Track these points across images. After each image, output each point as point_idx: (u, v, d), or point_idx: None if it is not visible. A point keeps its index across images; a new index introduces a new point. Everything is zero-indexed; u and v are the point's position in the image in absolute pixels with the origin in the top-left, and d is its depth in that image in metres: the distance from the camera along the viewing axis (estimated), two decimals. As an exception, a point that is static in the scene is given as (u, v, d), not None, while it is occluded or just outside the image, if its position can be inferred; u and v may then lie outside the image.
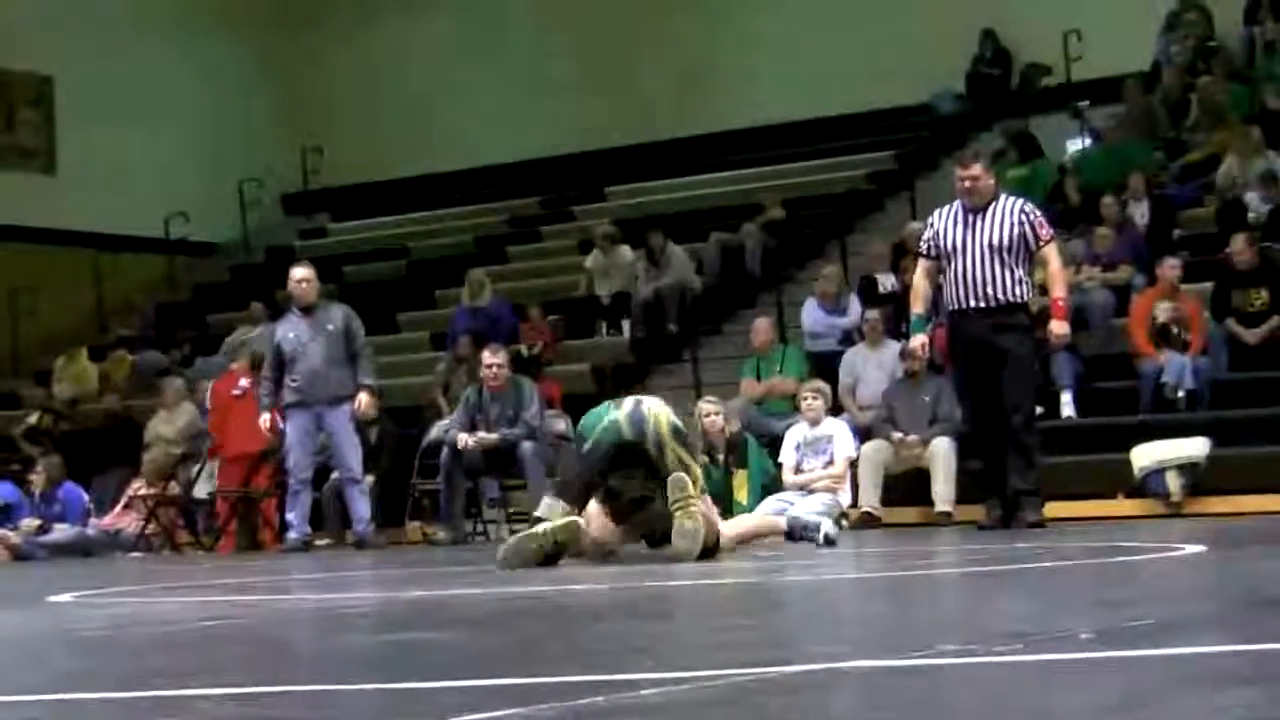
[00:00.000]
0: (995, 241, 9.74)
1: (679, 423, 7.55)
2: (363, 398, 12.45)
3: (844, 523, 12.22)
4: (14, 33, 21.17)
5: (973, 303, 9.78)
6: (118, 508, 15.09)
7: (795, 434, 12.39)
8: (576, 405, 12.64)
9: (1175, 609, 4.32)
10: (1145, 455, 12.10)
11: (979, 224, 9.81)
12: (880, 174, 19.24)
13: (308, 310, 12.61)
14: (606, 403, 7.90)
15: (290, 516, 12.64)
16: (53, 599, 6.83)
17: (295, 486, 12.65)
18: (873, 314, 13.93)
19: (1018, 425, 9.78)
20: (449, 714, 2.61)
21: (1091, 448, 12.59)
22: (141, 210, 21.84)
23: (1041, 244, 9.85)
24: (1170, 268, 13.27)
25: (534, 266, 19.81)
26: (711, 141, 21.12)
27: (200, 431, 15.41)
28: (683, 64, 21.66)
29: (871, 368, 13.58)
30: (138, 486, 15.04)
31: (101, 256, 21.89)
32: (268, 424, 12.64)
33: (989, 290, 9.74)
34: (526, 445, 12.79)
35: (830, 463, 12.23)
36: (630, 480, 7.57)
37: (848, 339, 14.59)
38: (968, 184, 9.89)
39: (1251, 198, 14.95)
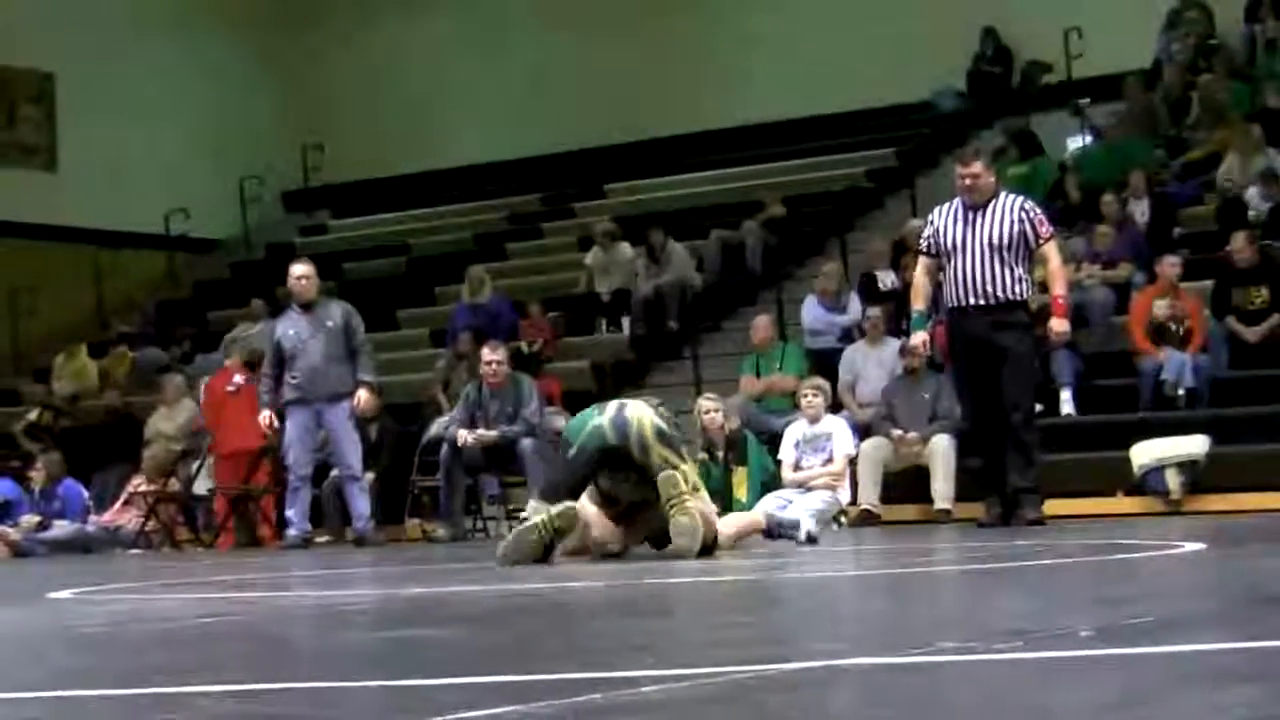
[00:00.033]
0: (995, 239, 9.74)
1: (663, 424, 7.55)
2: (362, 395, 12.45)
3: (843, 520, 12.23)
4: (15, 30, 21.17)
5: (972, 300, 9.77)
6: (117, 504, 15.10)
7: (794, 431, 12.38)
8: (576, 402, 12.65)
9: (1175, 607, 4.32)
10: (1145, 453, 12.10)
11: (979, 222, 9.81)
12: (880, 171, 19.24)
13: (307, 307, 12.61)
14: (592, 407, 7.92)
15: (290, 513, 12.64)
16: (52, 596, 6.83)
17: (295, 483, 12.65)
18: (874, 311, 13.93)
19: (1017, 423, 9.78)
20: (448, 711, 2.61)
21: (1091, 445, 12.59)
22: (142, 207, 21.84)
23: (1041, 242, 9.85)
24: (1170, 265, 13.27)
25: (534, 263, 19.80)
26: (712, 139, 21.12)
27: (200, 428, 15.42)
28: (683, 62, 21.65)
29: (871, 365, 13.58)
30: (138, 483, 15.04)
31: (102, 253, 21.89)
32: (266, 422, 12.64)
33: (989, 288, 9.74)
34: (526, 442, 12.78)
35: (829, 460, 12.22)
36: (623, 484, 7.60)
37: (847, 336, 14.59)
38: (968, 182, 9.89)
39: (1252, 195, 14.95)
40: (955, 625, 4.07)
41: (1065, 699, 2.59)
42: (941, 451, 12.36)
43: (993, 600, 4.89)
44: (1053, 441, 11.55)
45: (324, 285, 13.48)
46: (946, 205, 10.07)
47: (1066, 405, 13.01)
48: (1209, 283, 13.60)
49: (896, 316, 13.81)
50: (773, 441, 12.63)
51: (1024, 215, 9.83)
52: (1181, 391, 12.73)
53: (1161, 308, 13.01)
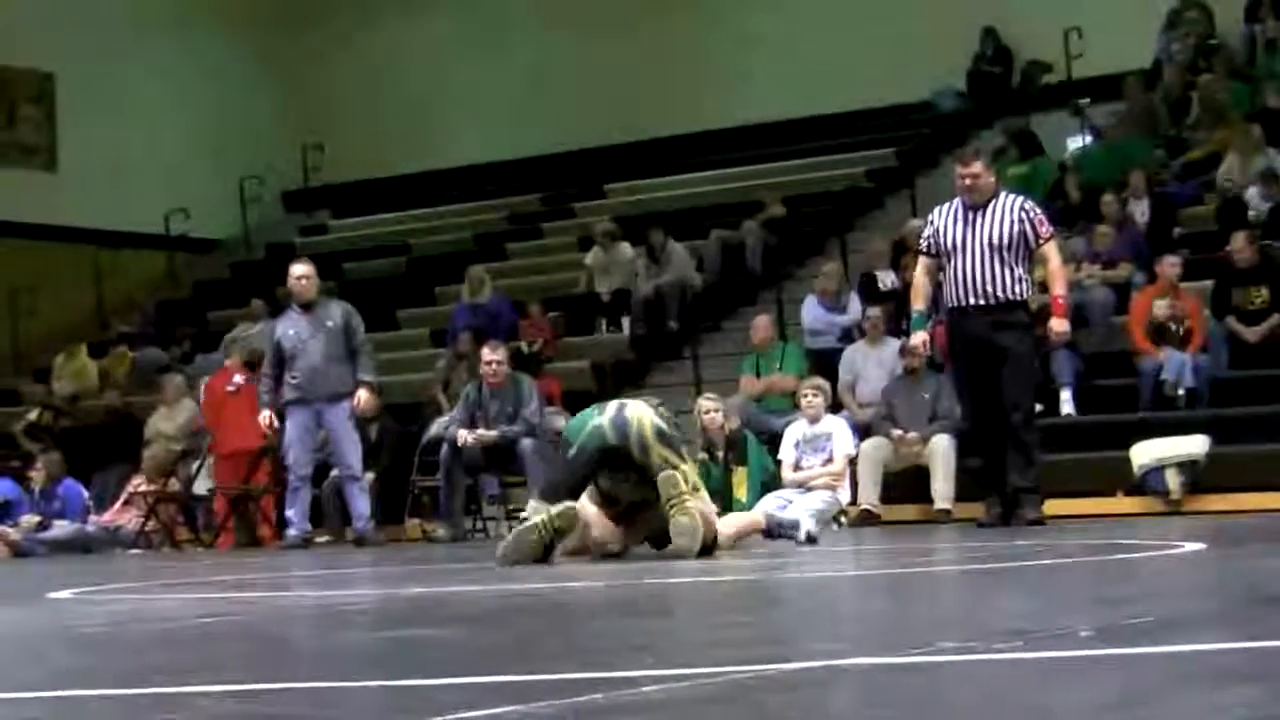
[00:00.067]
0: (995, 239, 9.74)
1: (662, 425, 7.55)
2: (362, 394, 12.45)
3: (843, 520, 12.23)
4: (15, 29, 21.17)
5: (972, 300, 9.77)
6: (117, 504, 15.09)
7: (794, 431, 12.38)
8: (576, 402, 12.64)
9: (1175, 606, 4.32)
10: (1145, 453, 12.10)
11: (979, 222, 9.81)
12: (881, 171, 19.24)
13: (307, 307, 12.61)
14: (592, 407, 7.92)
15: (290, 513, 12.64)
16: (52, 596, 6.83)
17: (295, 483, 12.65)
18: (874, 311, 13.92)
19: (1017, 423, 9.78)
20: (448, 711, 2.61)
21: (1091, 445, 12.59)
22: (142, 207, 21.84)
23: (1041, 242, 9.85)
24: (1170, 265, 13.27)
25: (534, 263, 19.80)
26: (712, 139, 21.12)
27: (201, 428, 15.42)
28: (683, 62, 21.65)
29: (871, 365, 13.57)
30: (138, 483, 15.04)
31: (102, 253, 21.89)
32: (266, 422, 12.65)
33: (989, 288, 9.74)
34: (526, 442, 12.78)
35: (829, 460, 12.22)
36: (623, 484, 7.60)
37: (847, 336, 14.59)
38: (968, 182, 9.89)
39: (1252, 195, 14.95)
40: (955, 625, 4.07)
41: (1065, 699, 2.59)
42: (941, 451, 12.36)
43: (993, 600, 4.89)
44: (1053, 441, 11.55)
45: (324, 285, 13.48)
46: (946, 205, 10.07)
47: (1066, 405, 13.01)
48: (1209, 283, 13.60)
49: (896, 317, 13.81)
50: (773, 441, 12.63)
51: (1024, 215, 9.83)
52: (1181, 391, 12.73)
53: (1161, 308, 13.01)
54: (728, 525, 8.46)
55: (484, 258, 19.32)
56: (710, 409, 11.90)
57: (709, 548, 7.60)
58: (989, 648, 3.19)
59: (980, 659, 3.08)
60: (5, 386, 20.23)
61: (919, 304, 10.18)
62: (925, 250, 10.14)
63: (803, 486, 12.14)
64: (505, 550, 7.46)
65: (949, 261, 9.87)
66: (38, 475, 15.02)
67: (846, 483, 12.28)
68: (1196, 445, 12.02)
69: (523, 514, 9.26)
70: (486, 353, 13.21)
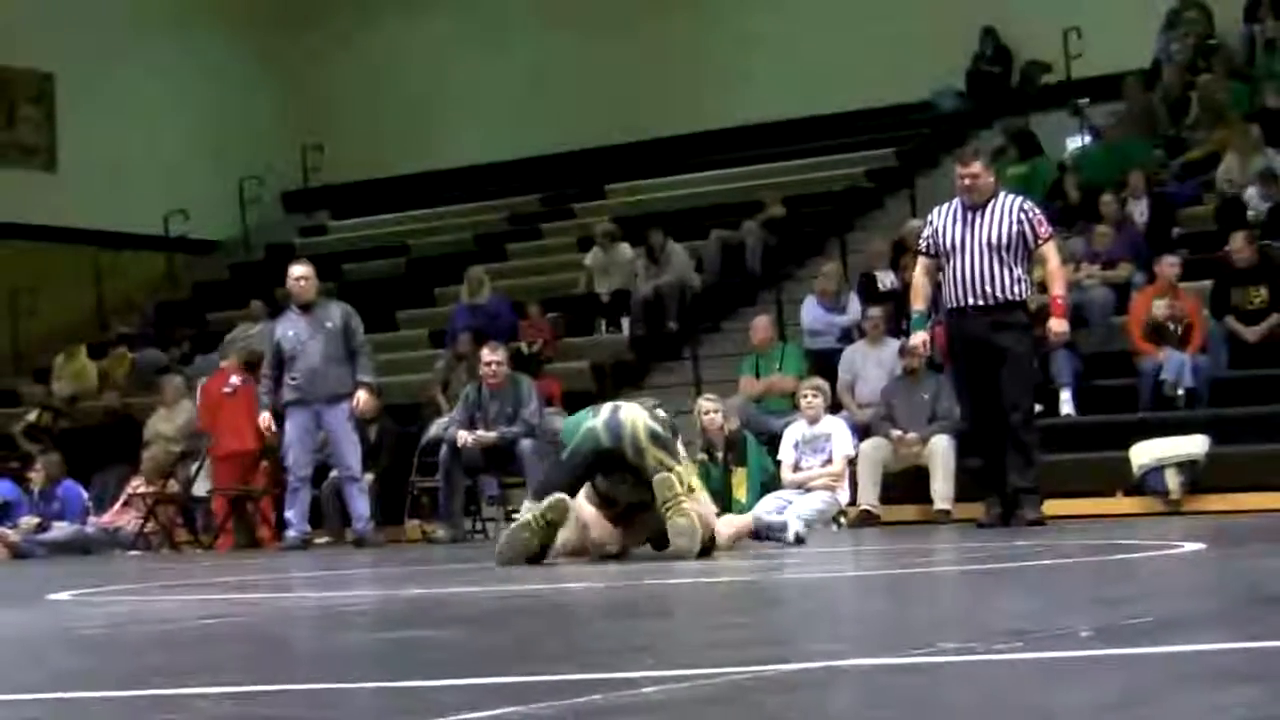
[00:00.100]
0: (994, 239, 9.74)
1: (656, 427, 7.55)
2: (361, 395, 12.45)
3: (843, 520, 12.24)
4: (15, 30, 21.17)
5: (971, 301, 9.77)
6: (117, 505, 15.09)
7: (794, 432, 12.39)
8: (576, 403, 12.64)
9: (1175, 607, 4.32)
10: (1144, 453, 12.10)
11: (978, 222, 9.80)
12: (880, 171, 19.24)
13: (307, 308, 12.61)
14: (586, 409, 7.92)
15: (289, 514, 12.64)
16: (51, 597, 6.83)
17: (294, 484, 12.65)
18: (874, 311, 13.91)
19: (1017, 423, 9.78)
20: (448, 712, 2.61)
21: (1091, 445, 12.59)
22: (142, 208, 21.84)
23: (1040, 242, 9.85)
24: (1169, 265, 13.27)
25: (534, 264, 19.81)
26: (711, 139, 21.12)
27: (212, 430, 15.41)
28: (682, 63, 21.65)
29: (871, 365, 13.57)
30: (137, 484, 15.04)
31: (101, 254, 21.89)
32: (266, 423, 12.66)
33: (988, 288, 9.74)
34: (525, 443, 12.78)
35: (829, 461, 12.23)
36: (620, 485, 7.61)
37: (847, 337, 14.58)
38: (967, 182, 9.88)
39: (1251, 195, 14.95)
40: (955, 626, 4.07)
41: (1065, 699, 2.59)
42: (941, 452, 12.35)
43: (992, 601, 4.89)
44: (1052, 442, 11.55)
45: (323, 286, 13.49)
46: (946, 205, 10.07)
47: (1066, 405, 13.00)
48: (1208, 283, 13.60)
49: (896, 317, 13.81)
50: (772, 442, 12.63)
51: (1023, 215, 9.83)
52: (1181, 391, 12.73)
53: (1160, 307, 13.01)
54: (724, 527, 8.46)
55: (484, 258, 19.31)
56: (710, 410, 11.90)
57: (707, 548, 7.60)
58: (989, 648, 3.19)
59: (980, 659, 3.08)
60: (4, 387, 20.23)
61: (919, 304, 10.18)
62: (924, 250, 10.14)
63: (802, 487, 12.15)
64: (501, 549, 7.48)
65: (948, 262, 9.86)
66: (37, 476, 15.02)
67: (846, 483, 12.29)
68: (1196, 445, 12.01)
69: (518, 516, 9.25)
70: (486, 353, 13.21)
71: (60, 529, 14.55)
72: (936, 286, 10.21)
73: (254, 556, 12.41)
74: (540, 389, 13.63)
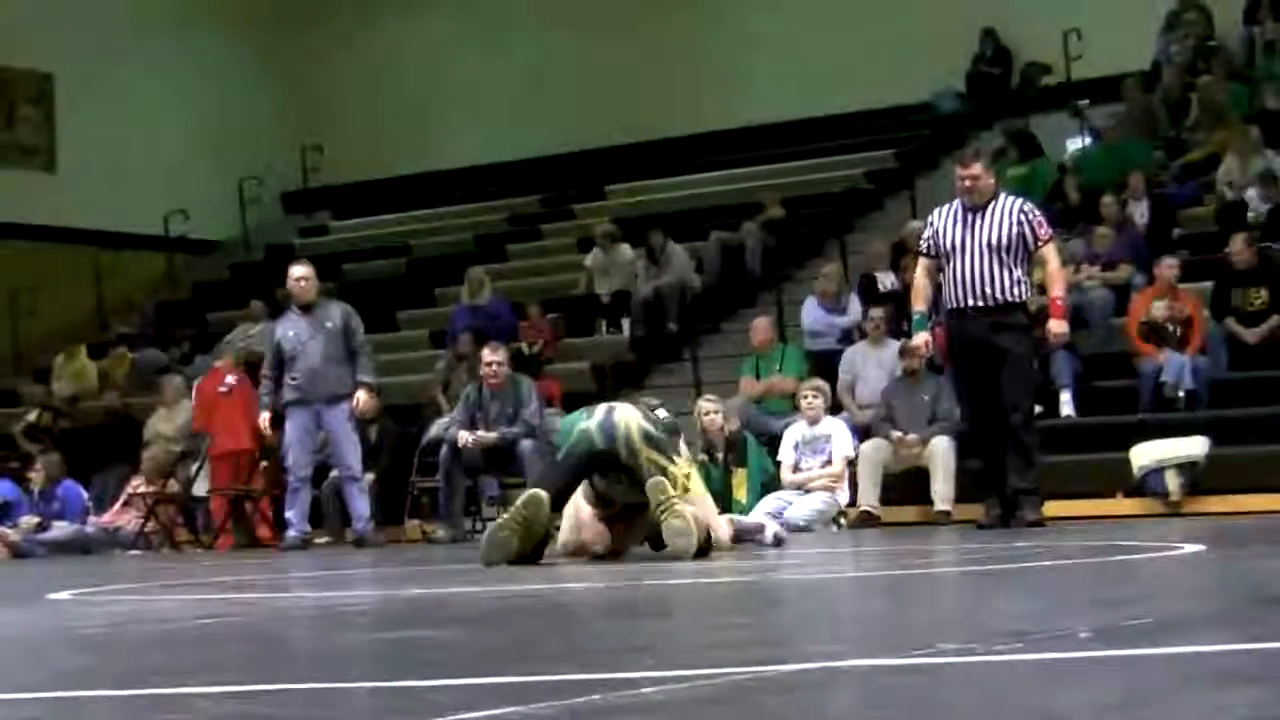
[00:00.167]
0: (994, 241, 9.74)
1: (650, 428, 7.55)
2: (361, 396, 12.45)
3: (842, 521, 12.24)
4: (14, 30, 21.17)
5: (971, 302, 9.77)
6: (117, 505, 15.09)
7: (794, 433, 12.40)
8: (576, 404, 12.61)
9: (1175, 608, 4.32)
10: (1144, 454, 12.10)
11: (978, 223, 9.80)
12: (880, 173, 19.24)
13: (307, 308, 12.61)
14: (581, 410, 7.93)
15: (290, 515, 12.64)
16: (52, 597, 6.83)
17: (295, 484, 12.65)
18: (876, 312, 13.90)
19: (1016, 424, 9.77)
20: (447, 712, 2.61)
21: (1091, 447, 12.58)
22: (141, 208, 21.84)
23: (1040, 243, 9.85)
24: (1168, 267, 13.27)
25: (534, 265, 19.81)
26: (711, 140, 21.12)
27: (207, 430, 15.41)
28: (682, 63, 21.66)
29: (871, 366, 13.56)
30: (137, 484, 15.03)
31: (101, 254, 21.89)
32: (265, 423, 12.67)
33: (987, 289, 9.74)
34: (526, 443, 12.78)
35: (828, 462, 12.24)
36: (616, 485, 7.62)
37: (847, 338, 14.58)
38: (968, 183, 9.88)
39: (1251, 197, 14.95)
40: (955, 627, 4.07)
41: (1065, 700, 2.59)
42: (941, 453, 12.35)
43: (992, 602, 4.89)
44: (1052, 443, 11.55)
45: (324, 286, 13.49)
46: (946, 206, 10.07)
47: (1066, 407, 13.00)
48: (1208, 284, 13.60)
49: (896, 318, 13.81)
50: (772, 443, 12.65)
51: (1023, 217, 9.83)
52: (1181, 393, 12.73)
53: (1160, 309, 13.01)
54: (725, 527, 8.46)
55: (484, 259, 19.32)
56: (710, 410, 11.92)
57: (705, 549, 7.61)
58: (989, 649, 3.19)
59: (980, 661, 3.08)
60: (5, 387, 20.23)
61: (919, 305, 10.18)
62: (925, 251, 10.14)
63: (801, 488, 12.16)
64: (483, 550, 7.52)
65: (948, 263, 9.86)
66: (37, 476, 15.01)
67: (845, 484, 12.30)
68: (1196, 447, 12.01)
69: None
70: (486, 354, 13.21)
71: (60, 529, 14.55)
72: (937, 287, 10.21)
73: (254, 556, 12.41)
74: (540, 390, 13.63)
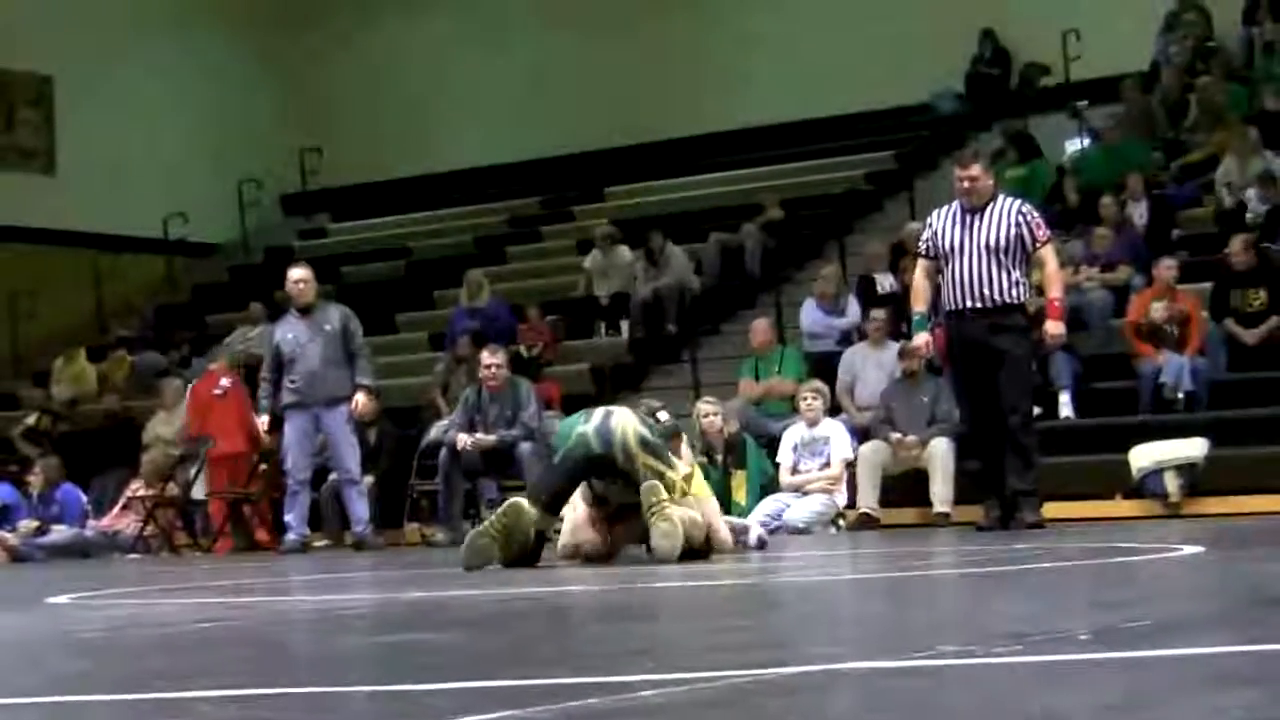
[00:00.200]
0: (992, 242, 9.74)
1: (646, 433, 7.59)
2: (360, 398, 12.45)
3: (841, 523, 12.24)
4: (14, 32, 21.16)
5: (969, 303, 9.77)
6: (116, 509, 15.08)
7: (793, 435, 12.40)
8: (576, 406, 12.60)
9: (1174, 609, 4.32)
10: (1144, 456, 12.09)
11: (976, 224, 9.80)
12: (879, 174, 19.24)
13: (305, 311, 12.61)
14: (579, 413, 7.94)
15: (288, 518, 12.64)
16: (50, 601, 6.83)
17: (294, 487, 12.65)
18: (877, 314, 13.90)
19: (1015, 426, 9.77)
20: (445, 715, 2.61)
21: (1090, 448, 12.58)
22: (141, 211, 21.83)
23: (1038, 245, 9.85)
24: (1166, 268, 13.27)
25: (533, 267, 19.80)
26: (710, 142, 21.11)
27: (198, 433, 15.41)
28: (682, 64, 21.65)
29: (871, 367, 13.56)
30: (136, 487, 15.03)
31: (101, 257, 21.88)
32: (265, 426, 12.67)
33: (986, 291, 9.74)
34: (525, 446, 12.77)
35: (827, 464, 12.24)
36: (611, 486, 7.66)
37: (846, 339, 14.57)
38: (966, 184, 9.88)
39: (1250, 198, 14.94)
40: (954, 629, 4.07)
41: (1065, 702, 2.59)
42: (940, 454, 12.35)
43: (992, 604, 4.89)
44: (1051, 444, 11.55)
45: (322, 289, 13.48)
46: (945, 208, 10.07)
47: (1065, 408, 13.00)
48: (1208, 285, 13.60)
49: (895, 320, 13.81)
50: (771, 445, 12.64)
51: (1021, 218, 9.83)
52: (1180, 394, 12.72)
53: (1158, 309, 13.01)
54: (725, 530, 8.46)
55: (483, 261, 19.31)
56: (709, 412, 11.91)
57: (702, 551, 7.61)
58: (988, 651, 3.19)
59: (979, 663, 3.07)
60: (4, 391, 20.21)
61: (919, 306, 10.17)
62: (924, 252, 10.14)
63: (800, 490, 12.16)
64: (462, 554, 7.57)
65: (947, 264, 9.86)
66: (36, 480, 15.01)
67: (843, 486, 12.30)
68: (1195, 448, 12.01)
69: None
70: (485, 356, 13.21)
71: (59, 532, 14.54)
72: (936, 289, 10.20)
73: (253, 560, 12.40)
74: (540, 392, 13.63)
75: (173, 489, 15.07)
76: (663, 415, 8.01)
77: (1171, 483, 11.94)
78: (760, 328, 14.39)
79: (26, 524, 14.53)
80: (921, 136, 19.68)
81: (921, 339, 10.42)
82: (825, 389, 12.66)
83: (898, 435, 12.61)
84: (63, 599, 6.84)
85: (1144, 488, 12.09)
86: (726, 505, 10.68)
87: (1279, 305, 13.12)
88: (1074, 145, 18.11)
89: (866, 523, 12.28)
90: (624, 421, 7.59)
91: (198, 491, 15.04)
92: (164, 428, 15.67)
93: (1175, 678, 2.82)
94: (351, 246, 22.08)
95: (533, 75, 22.68)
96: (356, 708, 2.95)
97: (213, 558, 13.58)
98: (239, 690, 3.17)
